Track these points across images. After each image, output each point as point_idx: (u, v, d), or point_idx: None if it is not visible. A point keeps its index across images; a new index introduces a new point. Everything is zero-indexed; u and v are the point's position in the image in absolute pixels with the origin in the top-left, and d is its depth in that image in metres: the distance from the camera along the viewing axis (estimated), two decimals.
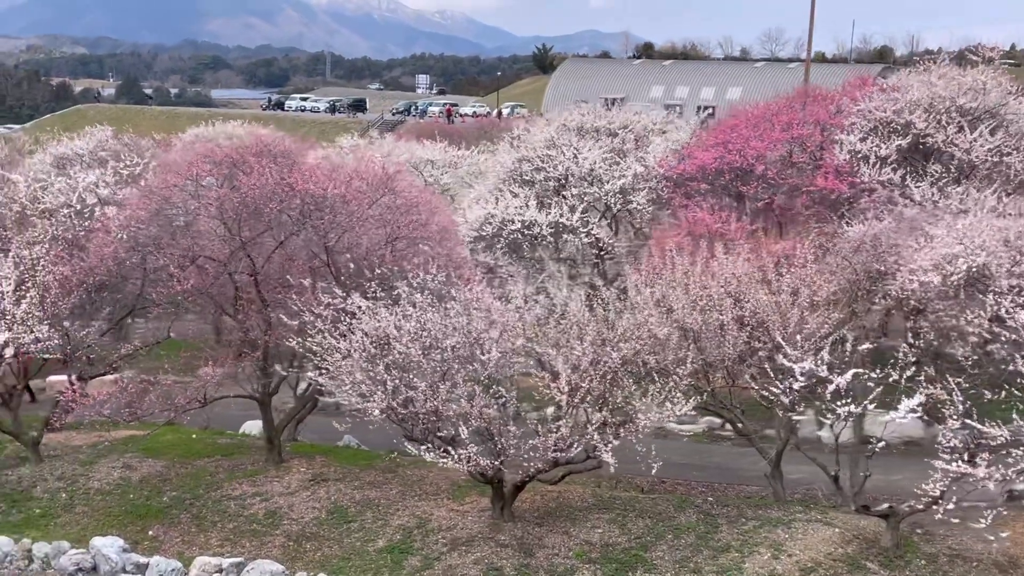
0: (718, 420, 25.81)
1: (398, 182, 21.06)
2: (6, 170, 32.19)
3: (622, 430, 16.59)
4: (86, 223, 27.14)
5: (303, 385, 23.47)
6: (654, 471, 16.68)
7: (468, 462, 16.50)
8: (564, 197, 30.26)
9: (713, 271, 19.12)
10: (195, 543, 19.19)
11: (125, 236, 21.71)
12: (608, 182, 30.55)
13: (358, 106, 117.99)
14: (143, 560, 18.37)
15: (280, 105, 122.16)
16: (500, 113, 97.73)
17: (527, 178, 31.63)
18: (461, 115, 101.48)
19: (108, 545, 18.50)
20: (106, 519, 20.13)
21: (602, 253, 29.95)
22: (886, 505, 16.90)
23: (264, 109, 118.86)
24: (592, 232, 29.06)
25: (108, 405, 19.61)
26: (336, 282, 19.68)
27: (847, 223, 24.09)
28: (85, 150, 37.40)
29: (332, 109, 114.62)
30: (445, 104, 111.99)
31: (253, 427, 26.11)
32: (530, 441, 16.87)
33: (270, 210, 19.28)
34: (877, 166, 26.55)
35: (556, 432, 16.40)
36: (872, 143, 26.98)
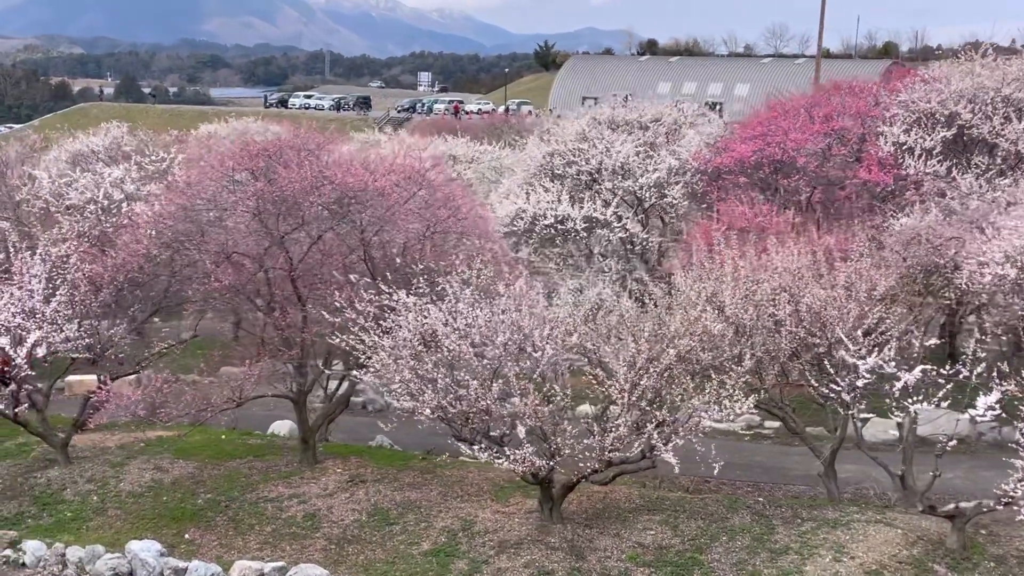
0: (757, 418, 25.33)
1: (435, 175, 20.53)
2: (27, 166, 31.63)
3: (681, 429, 16.05)
4: (113, 219, 26.60)
5: (333, 384, 23.01)
6: (716, 471, 16.15)
7: (524, 463, 15.97)
8: (597, 192, 29.70)
9: (764, 265, 18.62)
10: (233, 546, 18.65)
11: (154, 232, 21.16)
12: (642, 176, 30.01)
13: (364, 103, 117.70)
14: (181, 564, 17.82)
15: (284, 103, 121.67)
16: (507, 109, 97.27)
17: (558, 172, 31.11)
18: (467, 112, 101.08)
19: (145, 549, 17.95)
20: (139, 522, 19.59)
21: (635, 248, 29.41)
22: (952, 505, 16.35)
23: (266, 107, 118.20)
24: (626, 227, 28.51)
25: (142, 405, 19.11)
26: (372, 277, 19.18)
27: (893, 216, 23.56)
28: (101, 146, 36.86)
29: (337, 107, 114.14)
30: (452, 101, 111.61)
31: (281, 427, 25.62)
32: (584, 440, 16.35)
33: (309, 204, 18.76)
34: (923, 158, 26.03)
35: (614, 431, 15.84)
36: (917, 135, 26.46)
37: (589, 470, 16.40)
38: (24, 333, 19.53)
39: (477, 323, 16.75)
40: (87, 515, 19.94)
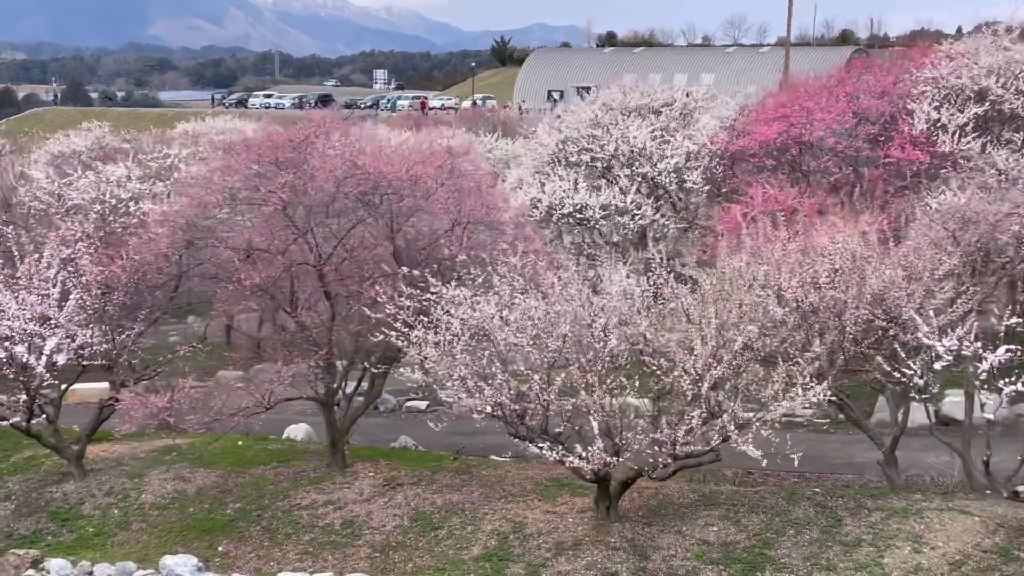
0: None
1: (466, 163, 19.71)
2: (20, 167, 30.43)
3: (755, 419, 15.35)
4: (121, 219, 25.51)
5: (351, 385, 22.10)
6: (796, 463, 15.49)
7: (593, 460, 15.18)
8: (611, 180, 28.97)
9: (815, 246, 17.97)
10: (271, 558, 17.73)
11: (166, 230, 20.11)
12: (660, 161, 29.33)
13: (327, 101, 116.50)
14: None
15: (243, 103, 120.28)
16: (474, 103, 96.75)
17: (572, 160, 30.32)
18: (431, 108, 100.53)
19: (181, 564, 17.02)
20: (167, 535, 18.59)
21: (655, 235, 28.73)
22: None
23: (227, 107, 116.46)
24: (644, 214, 27.84)
25: (170, 412, 18.12)
26: (404, 270, 18.30)
27: (930, 194, 23.07)
28: (83, 147, 35.65)
29: (299, 105, 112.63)
30: (416, 97, 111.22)
31: (297, 431, 24.67)
32: (651, 435, 15.58)
33: (345, 195, 17.85)
34: (956, 135, 25.59)
35: (687, 424, 15.08)
36: (949, 111, 26.03)
37: (660, 465, 15.61)
38: (39, 340, 18.46)
39: (533, 315, 15.94)
40: (110, 530, 18.92)
